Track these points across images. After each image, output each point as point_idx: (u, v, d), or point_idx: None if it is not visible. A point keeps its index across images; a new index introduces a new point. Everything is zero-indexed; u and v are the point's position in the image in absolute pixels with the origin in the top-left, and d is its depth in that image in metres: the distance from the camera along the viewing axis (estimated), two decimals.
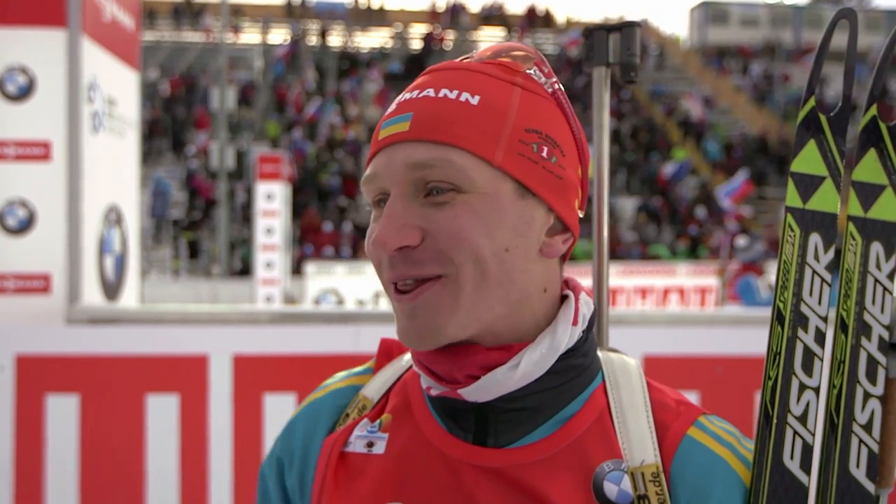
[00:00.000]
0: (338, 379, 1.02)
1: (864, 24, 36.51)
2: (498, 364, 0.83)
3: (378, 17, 34.99)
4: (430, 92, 0.84)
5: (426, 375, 0.87)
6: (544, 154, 0.84)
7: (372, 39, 33.38)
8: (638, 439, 0.85)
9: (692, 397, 2.82)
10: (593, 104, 1.53)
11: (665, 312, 5.15)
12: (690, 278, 14.42)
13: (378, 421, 0.92)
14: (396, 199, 0.82)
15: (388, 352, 1.01)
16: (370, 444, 0.90)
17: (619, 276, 13.96)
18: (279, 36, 31.82)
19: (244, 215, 19.09)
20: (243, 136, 22.95)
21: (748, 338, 2.82)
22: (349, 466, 0.90)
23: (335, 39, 32.00)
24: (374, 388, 0.97)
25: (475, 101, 0.83)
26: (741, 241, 12.86)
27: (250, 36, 32.68)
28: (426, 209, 0.81)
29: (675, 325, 3.09)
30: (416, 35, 33.28)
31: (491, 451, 0.85)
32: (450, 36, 32.66)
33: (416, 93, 0.85)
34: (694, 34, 40.85)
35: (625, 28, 1.48)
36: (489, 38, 34.67)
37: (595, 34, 1.50)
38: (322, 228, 18.72)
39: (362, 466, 0.89)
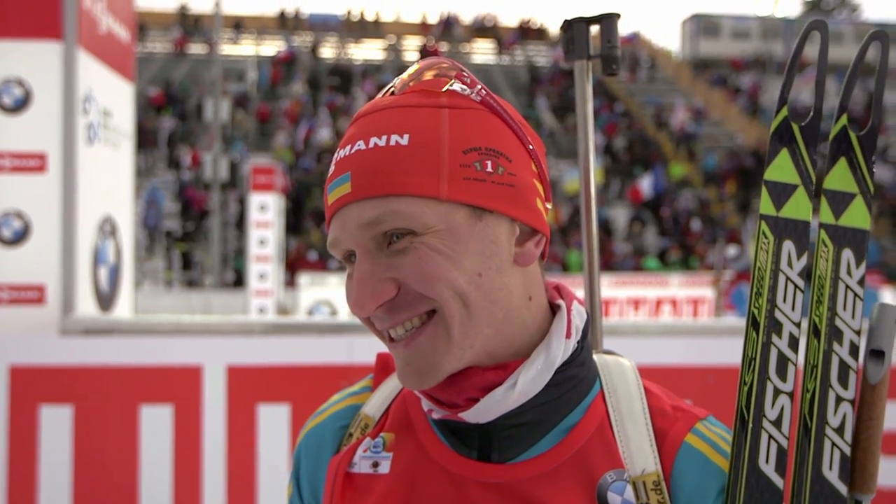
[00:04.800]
0: (336, 400, 1.02)
1: (856, 37, 36.80)
2: (495, 384, 0.84)
3: (371, 29, 35.09)
4: (361, 145, 0.83)
5: (427, 400, 0.89)
6: (489, 168, 0.82)
7: (365, 51, 33.46)
8: (638, 447, 0.86)
9: None
10: (576, 98, 1.49)
11: (657, 323, 5.17)
12: (683, 289, 14.40)
13: (381, 439, 0.93)
14: (363, 259, 0.82)
15: (384, 367, 1.01)
16: (375, 464, 0.91)
17: (612, 287, 13.92)
18: (272, 48, 31.88)
19: (237, 226, 19.07)
20: (236, 147, 22.94)
21: (738, 348, 2.83)
22: (355, 487, 0.91)
23: (328, 51, 32.07)
24: (375, 406, 0.97)
25: (405, 140, 0.81)
26: (731, 250, 12.90)
27: (244, 48, 32.75)
28: (392, 259, 0.81)
29: (667, 335, 3.11)
30: (410, 47, 33.38)
31: (495, 467, 0.86)
32: (443, 48, 32.76)
33: (348, 149, 0.84)
34: (685, 47, 41.07)
35: (605, 19, 1.42)
36: (482, 50, 34.81)
37: (574, 26, 1.43)
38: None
39: (368, 487, 0.90)
